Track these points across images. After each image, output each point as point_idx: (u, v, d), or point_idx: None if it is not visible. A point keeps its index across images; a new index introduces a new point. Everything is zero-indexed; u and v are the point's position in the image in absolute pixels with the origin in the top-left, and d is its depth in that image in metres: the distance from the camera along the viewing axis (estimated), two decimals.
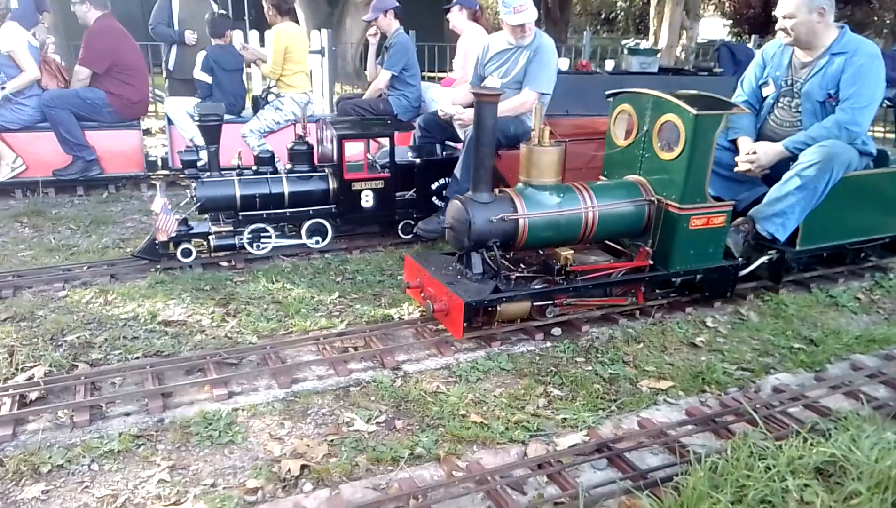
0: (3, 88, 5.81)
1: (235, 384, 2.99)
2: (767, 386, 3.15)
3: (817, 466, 2.36)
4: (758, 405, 2.87)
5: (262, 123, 6.21)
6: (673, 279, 3.77)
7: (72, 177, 6.10)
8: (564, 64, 7.79)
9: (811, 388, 3.11)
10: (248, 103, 6.89)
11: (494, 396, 2.99)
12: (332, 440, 2.62)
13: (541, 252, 3.74)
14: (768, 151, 4.04)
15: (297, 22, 6.52)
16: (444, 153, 5.17)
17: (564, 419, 2.83)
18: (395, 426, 2.75)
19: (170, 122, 6.64)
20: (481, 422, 2.77)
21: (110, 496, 2.30)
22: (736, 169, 4.14)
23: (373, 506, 2.23)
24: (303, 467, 2.45)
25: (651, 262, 3.69)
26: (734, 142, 4.28)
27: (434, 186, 4.98)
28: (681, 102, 3.49)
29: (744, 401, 2.93)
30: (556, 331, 3.58)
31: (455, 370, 3.18)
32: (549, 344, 3.47)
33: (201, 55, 6.35)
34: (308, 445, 2.58)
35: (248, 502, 2.29)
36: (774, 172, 4.08)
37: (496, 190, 3.52)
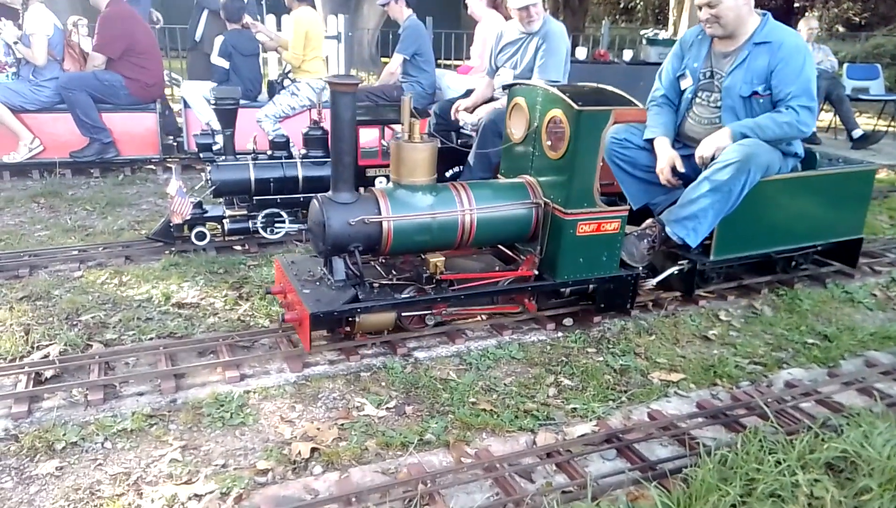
0: (10, 66, 5.85)
1: (247, 367, 3.01)
2: (780, 381, 3.13)
3: (828, 461, 2.35)
4: (769, 400, 2.86)
5: (278, 108, 6.22)
6: (561, 289, 3.43)
7: (88, 158, 6.15)
8: (582, 54, 7.74)
9: (824, 384, 3.08)
10: (264, 88, 6.89)
11: (504, 384, 2.99)
12: (342, 425, 2.64)
13: (423, 257, 3.34)
14: (717, 141, 3.54)
15: (314, 7, 6.50)
16: (459, 141, 5.16)
17: (574, 408, 2.82)
18: (404, 411, 2.76)
19: (186, 105, 6.66)
20: (491, 410, 2.77)
21: (123, 473, 2.32)
22: (663, 179, 3.73)
23: (382, 490, 2.25)
24: (313, 450, 2.47)
25: (535, 272, 3.39)
26: (651, 141, 3.84)
27: (448, 174, 4.97)
28: (564, 96, 3.17)
29: (755, 395, 2.91)
30: (568, 321, 3.57)
31: (466, 357, 3.19)
32: (560, 334, 3.46)
33: (219, 40, 6.36)
34: (318, 428, 2.60)
35: (258, 483, 2.31)
36: (693, 174, 3.69)
37: (363, 190, 3.24)
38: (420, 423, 2.68)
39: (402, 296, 3.17)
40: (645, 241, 3.64)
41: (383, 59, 7.19)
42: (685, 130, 3.89)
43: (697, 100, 3.81)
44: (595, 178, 3.26)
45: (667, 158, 3.69)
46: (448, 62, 10.32)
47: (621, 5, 30.67)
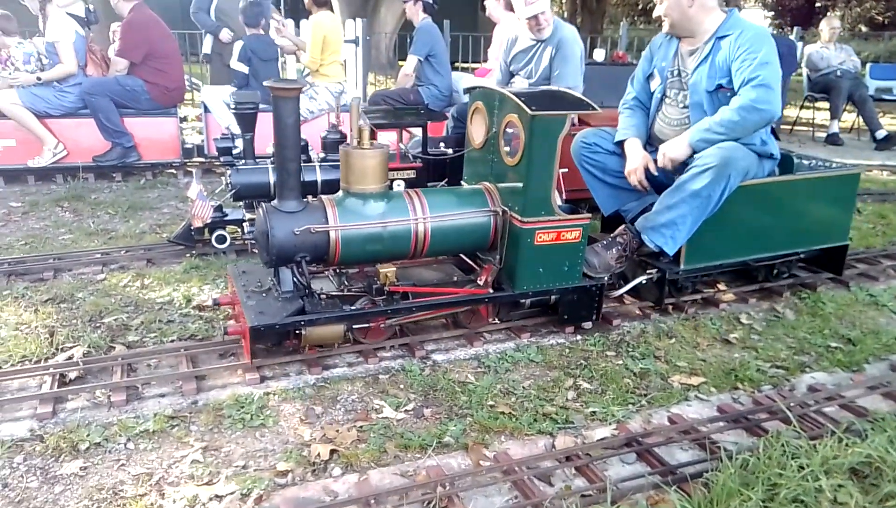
0: (39, 79, 5.94)
1: (267, 369, 3.03)
2: (802, 385, 3.09)
3: (852, 467, 2.32)
4: (792, 404, 2.82)
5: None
6: (521, 301, 3.33)
7: (111, 163, 6.24)
8: (600, 55, 7.70)
9: (848, 388, 3.04)
10: None
11: (523, 387, 2.98)
12: (361, 427, 2.65)
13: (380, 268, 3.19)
14: (674, 149, 3.46)
15: (332, 11, 6.55)
16: None
17: (593, 412, 2.81)
18: (423, 414, 2.77)
19: (206, 110, 6.73)
20: (509, 413, 2.77)
21: (145, 474, 2.35)
22: (633, 180, 3.64)
23: (400, 492, 2.25)
24: (332, 451, 2.48)
25: (489, 287, 3.28)
26: (621, 145, 3.74)
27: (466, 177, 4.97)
28: (519, 101, 3.04)
29: (778, 399, 2.88)
30: (587, 324, 3.55)
31: (484, 360, 3.19)
32: (578, 337, 3.45)
33: (238, 45, 6.42)
34: (338, 430, 2.61)
35: (278, 484, 2.32)
36: (666, 178, 3.61)
37: (312, 198, 3.15)
38: (438, 426, 2.68)
39: (351, 308, 3.07)
40: (614, 249, 3.54)
41: (400, 63, 7.24)
42: (654, 132, 3.79)
43: (666, 100, 3.71)
44: (552, 185, 3.14)
45: (639, 159, 3.60)
46: (465, 65, 10.33)
47: (640, 6, 30.55)
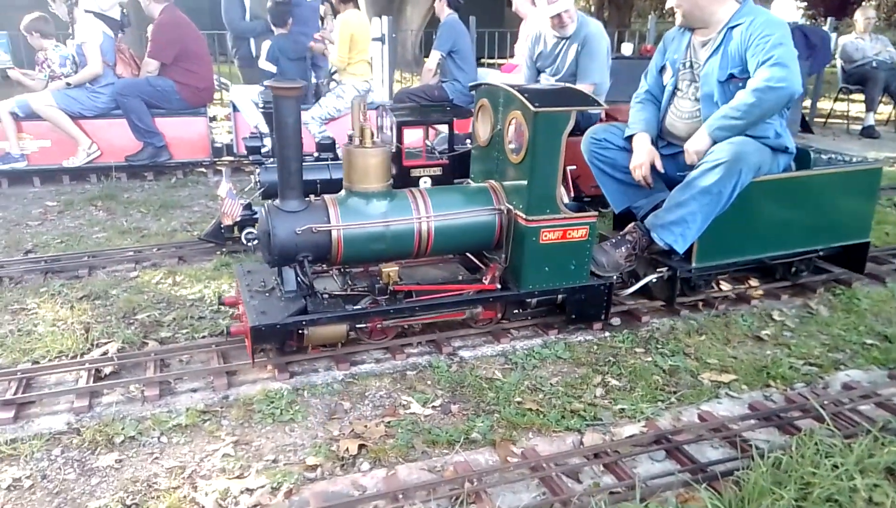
0: (69, 84, 6.07)
1: (296, 365, 3.06)
2: (837, 383, 3.03)
3: (888, 466, 2.27)
4: (826, 402, 2.77)
5: (324, 110, 6.31)
6: (527, 300, 3.27)
7: (142, 162, 6.35)
8: (628, 49, 7.63)
9: (884, 386, 2.97)
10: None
11: (551, 384, 2.97)
12: (388, 422, 2.67)
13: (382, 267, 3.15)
14: (696, 143, 3.38)
15: (359, 9, 6.57)
16: None
17: (622, 409, 2.79)
18: (450, 410, 2.77)
19: (235, 109, 6.81)
20: (537, 409, 2.76)
21: (178, 467, 2.39)
22: (638, 176, 3.56)
23: (428, 488, 2.26)
24: (360, 447, 2.50)
25: (497, 284, 3.23)
26: (630, 140, 3.66)
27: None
28: (522, 97, 2.99)
29: (811, 397, 2.83)
30: (616, 321, 3.53)
31: (511, 357, 3.18)
32: (607, 334, 3.42)
33: (266, 45, 6.49)
34: (366, 426, 2.63)
35: (307, 478, 2.35)
36: (676, 174, 3.53)
37: (312, 197, 3.11)
38: (466, 422, 2.69)
39: (354, 308, 3.05)
40: (623, 247, 3.48)
41: (426, 60, 7.27)
42: (666, 126, 3.70)
43: (678, 93, 3.63)
44: (557, 182, 3.09)
45: (644, 154, 3.53)
46: (492, 61, 10.30)
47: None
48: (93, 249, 4.47)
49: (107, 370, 2.96)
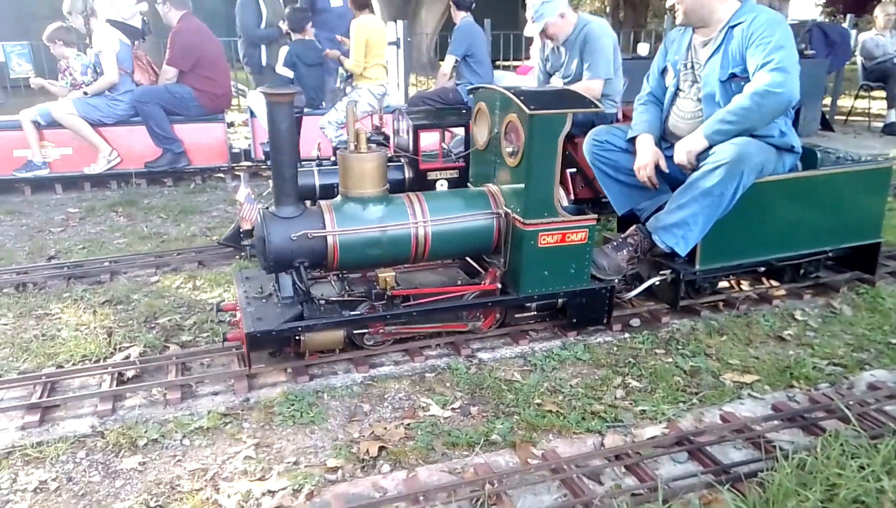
0: (86, 93, 6.16)
1: (316, 368, 3.07)
2: (862, 383, 2.99)
3: None
4: (851, 402, 2.73)
5: (340, 115, 6.32)
6: (527, 304, 3.25)
7: (161, 168, 6.42)
8: (644, 49, 7.60)
9: None
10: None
11: (570, 386, 2.96)
12: (408, 424, 2.67)
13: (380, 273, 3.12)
14: (690, 144, 3.34)
15: (373, 13, 6.60)
16: None
17: (643, 410, 2.77)
18: (470, 412, 2.77)
19: (252, 115, 6.87)
20: (557, 411, 2.75)
21: (200, 469, 2.41)
22: (642, 177, 3.52)
23: (449, 489, 2.26)
24: (381, 448, 2.51)
25: (499, 285, 3.22)
26: (633, 141, 3.62)
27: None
28: (518, 100, 2.97)
29: (835, 397, 2.79)
30: (635, 322, 3.51)
31: (530, 358, 3.17)
32: (627, 335, 3.40)
33: (283, 50, 6.54)
34: (385, 428, 2.64)
35: (328, 480, 2.36)
36: (680, 175, 3.46)
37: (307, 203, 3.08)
38: (485, 424, 2.68)
39: (351, 314, 3.04)
40: (625, 250, 3.43)
41: (441, 63, 7.30)
42: (669, 127, 3.65)
43: (680, 94, 3.58)
44: (554, 185, 3.06)
45: (649, 154, 3.50)
46: (507, 63, 10.30)
47: None
48: (114, 254, 4.52)
49: (129, 374, 2.99)
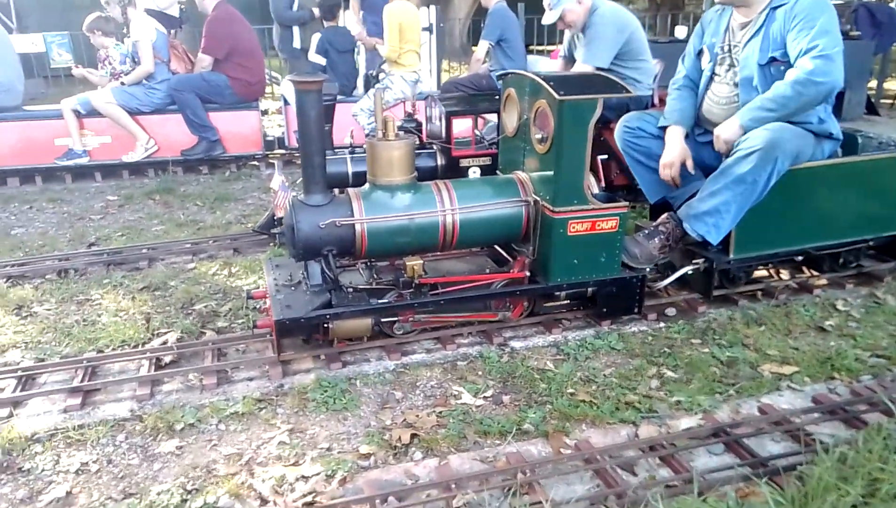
0: (123, 83, 6.25)
1: (349, 355, 3.09)
2: None
3: None
4: (894, 395, 2.65)
5: (372, 102, 6.33)
6: (556, 293, 3.20)
7: (197, 156, 6.50)
8: (682, 32, 7.44)
9: None
10: (360, 82, 7.05)
11: (604, 375, 2.93)
12: (440, 412, 2.67)
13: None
14: (726, 130, 3.24)
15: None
16: None
17: (678, 401, 2.73)
18: (502, 400, 2.76)
19: (286, 102, 6.90)
20: (590, 401, 2.73)
21: (236, 454, 2.45)
22: (666, 174, 3.44)
23: (480, 478, 2.26)
24: (412, 436, 2.52)
25: (527, 274, 3.18)
26: (665, 130, 3.54)
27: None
28: (547, 85, 2.91)
29: (878, 390, 2.72)
30: (671, 311, 3.45)
31: (563, 347, 3.15)
32: (662, 325, 3.36)
33: (315, 38, 6.55)
34: (417, 415, 2.64)
35: (361, 466, 2.38)
36: (713, 162, 3.39)
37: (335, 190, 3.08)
38: (518, 413, 2.67)
39: (378, 302, 3.03)
40: (657, 239, 3.36)
41: (474, 49, 7.25)
42: (703, 113, 3.55)
43: (716, 78, 3.47)
44: (584, 173, 3.00)
45: (676, 152, 3.40)
46: (541, 48, 10.18)
47: None
48: (152, 241, 4.60)
49: (167, 359, 3.04)
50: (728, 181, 3.18)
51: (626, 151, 3.70)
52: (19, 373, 2.92)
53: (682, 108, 3.54)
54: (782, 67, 3.16)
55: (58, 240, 4.72)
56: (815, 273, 3.79)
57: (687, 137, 3.51)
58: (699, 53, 3.59)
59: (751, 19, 3.28)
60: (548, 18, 4.48)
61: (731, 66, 3.39)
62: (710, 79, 3.51)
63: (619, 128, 3.71)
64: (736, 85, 3.35)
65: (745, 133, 3.20)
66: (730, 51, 3.40)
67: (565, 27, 4.55)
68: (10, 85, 6.29)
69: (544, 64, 6.36)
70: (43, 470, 2.37)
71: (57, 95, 6.82)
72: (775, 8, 3.19)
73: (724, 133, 3.27)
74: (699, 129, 3.59)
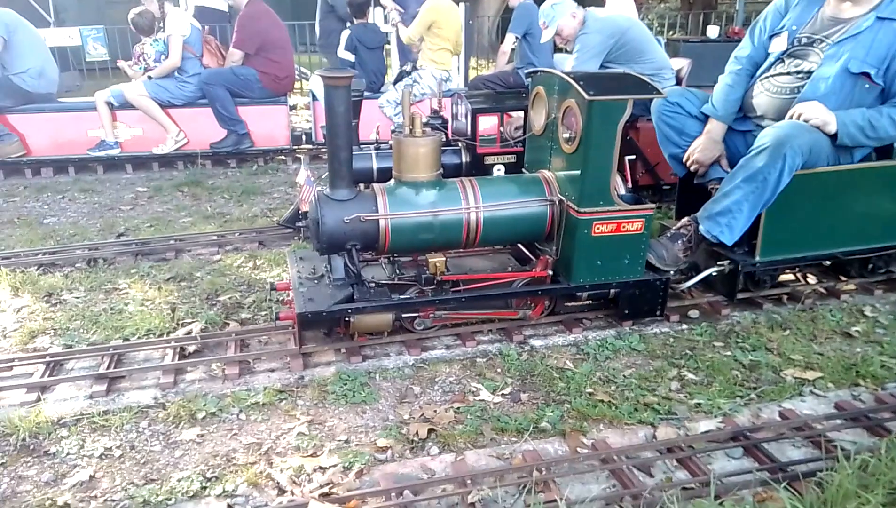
0: (150, 77, 6.35)
1: (369, 349, 3.12)
2: None
3: None
4: None
5: (398, 94, 6.35)
6: (578, 294, 3.18)
7: (226, 150, 6.58)
8: (714, 32, 7.35)
9: None
10: (388, 79, 7.08)
11: (624, 376, 2.92)
12: (458, 408, 2.68)
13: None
14: (814, 112, 3.08)
15: None
16: None
17: (698, 404, 2.71)
18: (520, 398, 2.76)
19: (314, 98, 6.96)
20: (609, 401, 2.72)
21: (255, 444, 2.49)
22: (692, 162, 3.43)
23: (496, 474, 2.27)
24: (430, 431, 2.53)
25: (550, 272, 3.17)
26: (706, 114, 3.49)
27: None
28: (577, 84, 2.88)
29: None
30: (694, 313, 3.42)
31: (583, 347, 3.14)
32: (684, 327, 3.33)
33: (345, 34, 6.59)
34: (435, 411, 2.66)
35: (378, 459, 2.40)
36: (742, 154, 3.27)
37: (359, 186, 3.10)
38: (535, 411, 2.67)
39: (400, 297, 3.05)
40: (680, 241, 3.32)
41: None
42: (749, 100, 3.41)
43: (781, 67, 3.29)
44: (611, 174, 2.97)
45: (712, 151, 3.36)
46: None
47: None
48: (179, 233, 4.68)
49: (191, 349, 3.10)
50: (738, 181, 3.14)
51: (658, 124, 3.64)
52: (48, 359, 2.99)
53: (733, 100, 3.44)
54: (866, 87, 3.06)
55: (88, 230, 4.82)
56: (843, 278, 3.72)
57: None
58: (775, 35, 3.38)
59: (854, 16, 3.12)
60: (546, 36, 4.62)
61: (804, 59, 3.23)
62: (773, 66, 3.35)
63: (657, 102, 3.64)
64: (801, 78, 3.21)
65: (833, 135, 3.09)
66: (811, 44, 3.21)
67: (563, 42, 4.65)
68: (42, 70, 6.39)
69: (571, 62, 6.33)
70: (68, 454, 2.43)
71: (92, 88, 6.94)
72: (883, 18, 3.04)
73: (811, 111, 3.10)
74: (738, 113, 3.50)
